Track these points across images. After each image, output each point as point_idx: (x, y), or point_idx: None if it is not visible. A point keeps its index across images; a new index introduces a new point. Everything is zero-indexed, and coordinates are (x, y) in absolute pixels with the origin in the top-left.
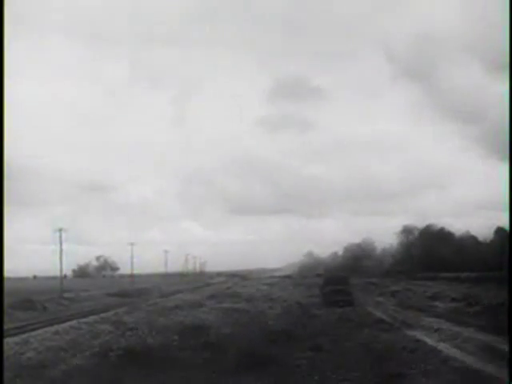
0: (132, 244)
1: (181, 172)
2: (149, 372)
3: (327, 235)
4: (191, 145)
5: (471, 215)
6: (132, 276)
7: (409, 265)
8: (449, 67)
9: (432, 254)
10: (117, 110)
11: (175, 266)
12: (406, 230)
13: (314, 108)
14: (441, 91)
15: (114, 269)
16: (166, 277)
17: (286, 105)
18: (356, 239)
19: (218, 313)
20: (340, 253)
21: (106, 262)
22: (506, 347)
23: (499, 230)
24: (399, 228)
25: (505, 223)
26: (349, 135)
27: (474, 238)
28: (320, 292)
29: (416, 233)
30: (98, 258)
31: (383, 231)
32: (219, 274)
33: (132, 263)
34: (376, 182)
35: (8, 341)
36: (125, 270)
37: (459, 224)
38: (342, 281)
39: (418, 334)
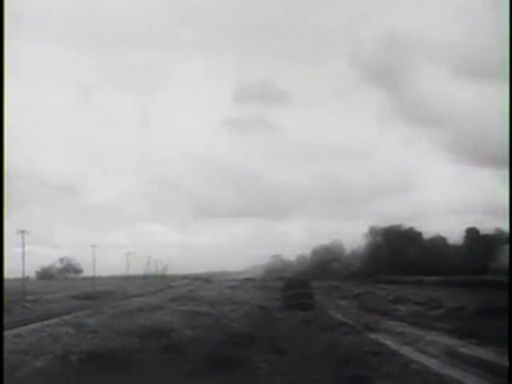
0: (94, 246)
1: (145, 174)
2: (110, 374)
3: (293, 239)
4: (156, 147)
5: (438, 219)
6: (94, 278)
7: (375, 267)
8: (415, 71)
9: (399, 255)
10: (81, 112)
11: (138, 268)
12: (373, 232)
13: (280, 111)
14: (407, 95)
15: (78, 271)
16: (129, 279)
17: (252, 108)
18: (322, 242)
19: (179, 316)
20: (308, 255)
21: (69, 264)
22: (467, 350)
23: (470, 231)
24: (366, 230)
25: (473, 225)
26: (315, 138)
27: (443, 240)
28: (281, 295)
29: (386, 233)
30: (61, 260)
31: (350, 234)
32: (182, 277)
33: (94, 266)
34: (342, 185)
35: None
36: (88, 272)
37: (426, 227)
38: (303, 284)
39: (381, 338)
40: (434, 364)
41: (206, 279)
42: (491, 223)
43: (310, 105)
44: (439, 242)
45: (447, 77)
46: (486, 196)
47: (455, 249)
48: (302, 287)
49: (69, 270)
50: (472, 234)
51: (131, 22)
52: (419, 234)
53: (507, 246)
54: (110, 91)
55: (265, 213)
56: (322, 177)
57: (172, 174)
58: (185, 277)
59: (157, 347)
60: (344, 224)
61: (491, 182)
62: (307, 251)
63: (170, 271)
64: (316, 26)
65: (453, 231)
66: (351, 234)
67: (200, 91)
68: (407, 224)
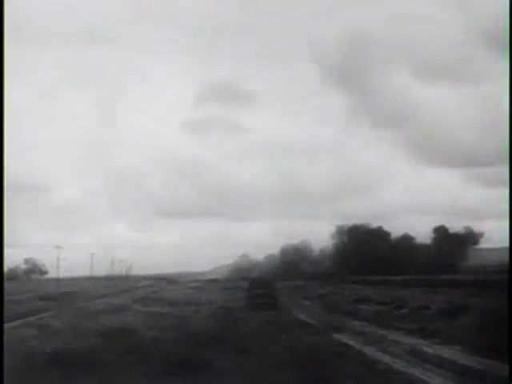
0: (58, 247)
1: (108, 174)
2: (74, 376)
3: (257, 238)
4: (118, 146)
5: (401, 219)
6: (58, 280)
7: (342, 267)
8: (379, 72)
9: (366, 255)
10: (42, 110)
11: (102, 269)
12: (340, 231)
13: (244, 111)
14: (370, 96)
15: (43, 272)
16: (93, 280)
17: (215, 107)
18: (290, 242)
19: (143, 317)
20: (277, 255)
21: (34, 265)
22: (431, 350)
23: (438, 229)
24: (332, 229)
25: (439, 224)
26: (279, 138)
27: (411, 239)
28: (246, 295)
29: (352, 233)
30: (26, 261)
31: (316, 234)
32: (146, 278)
33: (58, 266)
34: (306, 185)
35: None
36: (52, 273)
37: (390, 227)
38: (267, 284)
39: (344, 338)
40: (397, 363)
41: (169, 280)
42: (456, 223)
43: (273, 105)
44: (407, 242)
45: (409, 77)
46: (447, 196)
47: (424, 248)
48: (265, 287)
49: (34, 270)
50: (440, 232)
51: (92, 19)
52: (387, 234)
53: (477, 246)
54: (71, 90)
55: (228, 213)
56: (284, 177)
57: (135, 174)
58: (148, 277)
59: (120, 348)
60: (308, 224)
61: (452, 182)
62: (275, 251)
63: (134, 272)
64: (279, 25)
65: (418, 230)
66: (317, 233)
67: (162, 91)
68: (372, 224)
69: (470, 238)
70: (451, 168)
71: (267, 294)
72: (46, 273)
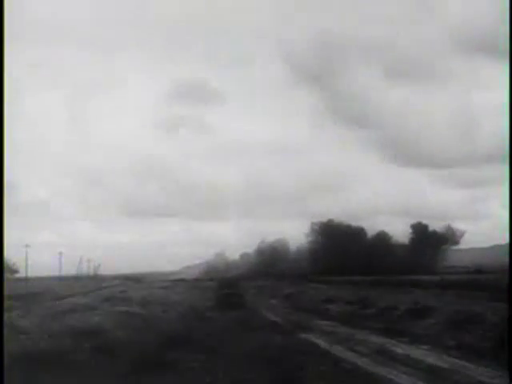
0: (27, 246)
1: (77, 173)
2: (41, 376)
3: (228, 238)
4: (88, 146)
5: (372, 219)
6: (27, 279)
7: (319, 266)
8: (349, 73)
9: (343, 254)
10: (14, 109)
11: (70, 268)
12: (315, 230)
13: (213, 111)
14: (339, 96)
15: (14, 271)
16: (61, 280)
17: (184, 107)
18: (267, 240)
19: (111, 316)
20: (252, 254)
21: (5, 264)
22: (398, 349)
23: (417, 226)
24: (307, 228)
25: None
26: (247, 138)
27: (386, 239)
28: (214, 295)
29: (327, 231)
30: None
31: (286, 234)
32: (114, 278)
33: (27, 266)
34: (274, 185)
35: None
36: (20, 272)
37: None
38: (234, 284)
39: (311, 337)
40: (364, 362)
41: (137, 280)
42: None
43: (243, 104)
44: (384, 241)
45: (380, 78)
46: (417, 197)
47: (401, 247)
48: (233, 287)
49: (5, 270)
50: (419, 230)
51: (62, 19)
52: (363, 233)
53: (457, 246)
54: (39, 89)
55: (196, 212)
56: (253, 176)
57: (103, 174)
58: (116, 277)
59: (88, 348)
60: (278, 224)
61: (421, 183)
62: (245, 250)
63: (102, 271)
64: (250, 26)
65: (390, 230)
66: (288, 233)
67: (129, 90)
68: (348, 222)
69: (450, 238)
70: (420, 168)
71: (235, 294)
72: (16, 272)
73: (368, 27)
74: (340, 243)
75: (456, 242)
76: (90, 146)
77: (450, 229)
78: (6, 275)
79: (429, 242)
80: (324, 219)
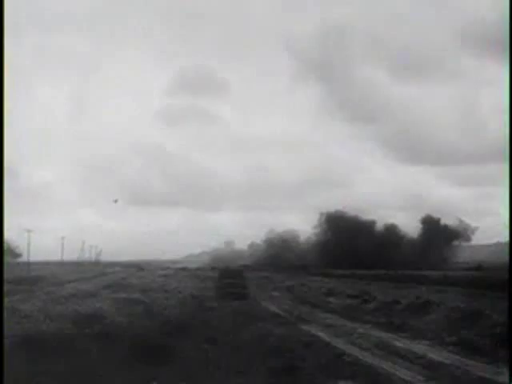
0: (29, 231)
1: (80, 160)
2: (42, 359)
3: (229, 228)
4: (92, 134)
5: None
6: (29, 264)
7: (329, 259)
8: (354, 68)
9: (350, 247)
10: (18, 97)
11: (72, 254)
12: (322, 223)
13: (217, 102)
14: (343, 91)
15: (17, 255)
16: (63, 265)
17: (188, 98)
18: (260, 234)
19: (113, 303)
20: (261, 244)
21: (8, 247)
22: (398, 343)
23: (427, 219)
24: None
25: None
26: (251, 131)
27: (398, 231)
28: (215, 285)
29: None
30: None
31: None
32: (116, 264)
33: (29, 250)
34: (276, 178)
35: None
36: (22, 256)
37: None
38: (237, 274)
39: (313, 329)
40: (365, 356)
41: (139, 267)
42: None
43: (248, 98)
44: (394, 234)
45: (385, 74)
46: (421, 193)
47: (411, 241)
48: (236, 277)
49: (7, 253)
50: (430, 223)
51: (65, 8)
52: (373, 225)
53: (468, 242)
54: (42, 78)
55: (200, 202)
56: (257, 169)
57: (107, 161)
58: (118, 264)
59: (89, 333)
60: (282, 216)
61: (426, 180)
62: (249, 241)
63: (104, 257)
64: (257, 20)
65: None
66: (293, 225)
67: (136, 80)
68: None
69: (462, 232)
70: (425, 165)
71: (237, 284)
72: (19, 255)
73: (376, 23)
74: (348, 235)
75: (467, 238)
76: (95, 135)
77: (461, 224)
78: (9, 259)
79: (440, 237)
80: (331, 210)
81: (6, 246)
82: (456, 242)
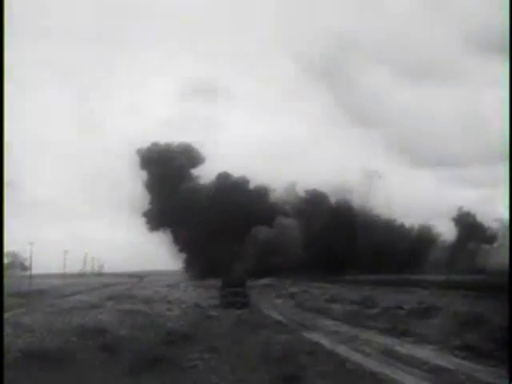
0: (31, 244)
1: (83, 171)
2: (46, 373)
3: None
4: (95, 144)
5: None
6: (31, 276)
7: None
8: (358, 72)
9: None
10: (17, 105)
11: (74, 266)
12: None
13: (222, 109)
14: (349, 95)
15: (25, 268)
16: (65, 277)
17: (194, 105)
18: None
19: (116, 314)
20: None
21: (16, 260)
22: (402, 349)
23: (460, 219)
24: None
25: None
26: (257, 137)
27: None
28: (218, 294)
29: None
30: (7, 256)
31: None
32: (118, 275)
33: (31, 263)
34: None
35: None
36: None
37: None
38: (239, 283)
39: (316, 336)
40: (369, 362)
41: (142, 278)
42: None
43: (254, 104)
44: (426, 236)
45: (392, 77)
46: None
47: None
48: (238, 286)
49: (16, 266)
50: (464, 221)
51: (74, 15)
52: (405, 229)
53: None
54: (49, 85)
55: None
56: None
57: (109, 172)
58: (121, 275)
59: (93, 346)
60: None
61: (434, 183)
62: None
63: (107, 269)
64: (263, 24)
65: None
66: None
67: (141, 87)
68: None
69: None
70: (433, 169)
71: (239, 293)
72: (27, 269)
73: (379, 25)
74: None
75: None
76: (98, 145)
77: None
78: (16, 271)
79: (475, 238)
80: None
81: (14, 259)
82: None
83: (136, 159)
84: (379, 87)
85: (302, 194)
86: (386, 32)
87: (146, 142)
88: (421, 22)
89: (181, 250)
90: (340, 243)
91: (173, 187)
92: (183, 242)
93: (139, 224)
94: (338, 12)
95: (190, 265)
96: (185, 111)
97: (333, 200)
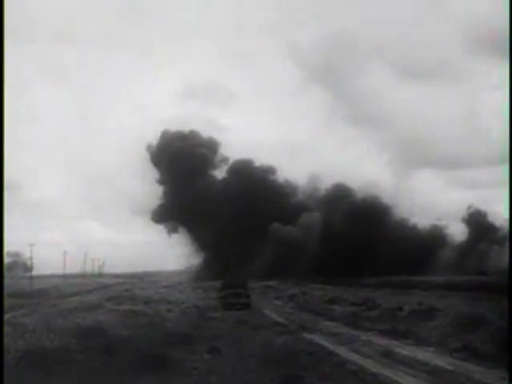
0: (31, 245)
1: (83, 171)
2: (46, 374)
3: None
4: (94, 144)
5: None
6: (31, 277)
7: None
8: (360, 72)
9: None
10: (16, 107)
11: (74, 267)
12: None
13: (223, 110)
14: (350, 96)
15: (28, 269)
16: (65, 278)
17: (194, 106)
18: None
19: (116, 315)
20: None
21: (19, 261)
22: (402, 351)
23: (474, 213)
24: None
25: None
26: (257, 138)
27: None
28: (218, 295)
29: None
30: (9, 254)
31: None
32: (118, 276)
33: (31, 264)
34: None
35: None
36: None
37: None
38: (240, 284)
39: (316, 338)
40: (369, 364)
41: (142, 278)
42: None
43: (250, 104)
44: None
45: (390, 77)
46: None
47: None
48: (238, 287)
49: (18, 267)
50: (478, 213)
51: (70, 18)
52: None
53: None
54: (47, 87)
55: None
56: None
57: (108, 172)
58: (121, 276)
59: (93, 346)
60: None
61: (434, 184)
62: None
63: (107, 270)
64: (261, 24)
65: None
66: None
67: (140, 88)
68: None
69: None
70: (433, 170)
71: (240, 294)
72: (30, 270)
73: (381, 26)
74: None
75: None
76: (97, 145)
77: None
78: (19, 272)
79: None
80: None
81: (17, 259)
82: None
83: (145, 156)
84: (380, 87)
85: (325, 187)
86: (386, 32)
87: (146, 141)
88: (421, 22)
89: (200, 249)
90: (361, 241)
91: (190, 183)
92: (203, 242)
93: (140, 224)
94: (338, 12)
95: (208, 265)
96: (185, 111)
97: (360, 196)
